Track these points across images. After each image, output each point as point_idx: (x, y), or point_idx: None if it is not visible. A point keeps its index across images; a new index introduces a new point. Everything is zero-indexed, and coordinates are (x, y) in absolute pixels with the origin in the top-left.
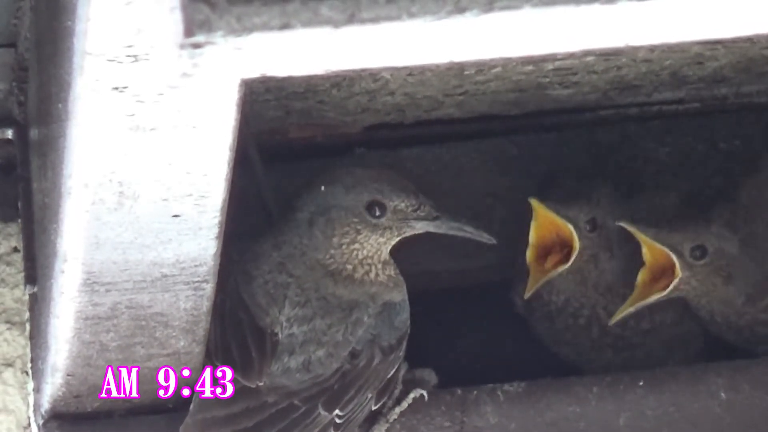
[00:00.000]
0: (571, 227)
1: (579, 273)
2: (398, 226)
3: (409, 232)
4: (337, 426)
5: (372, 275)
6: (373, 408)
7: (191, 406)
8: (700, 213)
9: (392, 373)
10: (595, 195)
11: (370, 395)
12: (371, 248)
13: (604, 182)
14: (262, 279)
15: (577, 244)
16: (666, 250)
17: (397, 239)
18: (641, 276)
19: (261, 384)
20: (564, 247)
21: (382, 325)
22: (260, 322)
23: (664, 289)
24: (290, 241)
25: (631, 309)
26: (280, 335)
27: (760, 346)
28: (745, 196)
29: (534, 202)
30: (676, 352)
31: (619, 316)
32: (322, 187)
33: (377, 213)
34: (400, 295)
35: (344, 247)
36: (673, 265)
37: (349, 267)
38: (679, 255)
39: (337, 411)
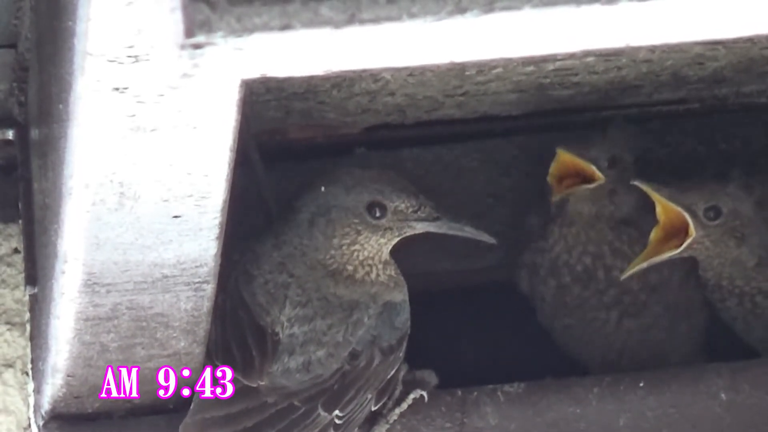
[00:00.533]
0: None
1: (596, 205)
2: (398, 227)
3: (409, 233)
4: (336, 426)
5: (373, 275)
6: (373, 408)
7: (191, 406)
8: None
9: (392, 373)
10: (611, 132)
11: (369, 396)
12: (372, 249)
13: (622, 120)
14: (262, 279)
15: (600, 178)
16: (680, 209)
17: (398, 239)
18: (654, 234)
19: (262, 383)
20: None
21: (382, 326)
22: (261, 322)
23: (677, 247)
24: (291, 242)
25: (644, 264)
26: (281, 335)
27: (756, 330)
28: (764, 163)
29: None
30: (680, 322)
31: (631, 270)
32: (323, 188)
33: (378, 214)
34: (400, 296)
35: (345, 247)
36: (686, 225)
37: (350, 267)
38: (693, 215)
39: (336, 412)
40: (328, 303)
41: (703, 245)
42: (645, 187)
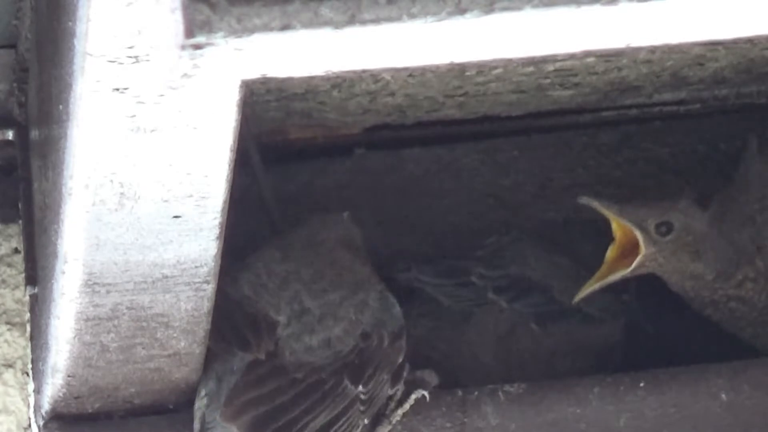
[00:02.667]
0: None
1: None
2: None
3: None
4: (363, 402)
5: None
6: (389, 392)
7: (201, 394)
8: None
9: (401, 359)
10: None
11: (386, 377)
12: None
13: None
14: (254, 273)
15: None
16: (631, 225)
17: None
18: (610, 252)
19: (262, 358)
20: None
21: (384, 312)
22: (251, 310)
23: (630, 265)
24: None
25: (596, 286)
26: (275, 318)
27: (746, 328)
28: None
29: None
30: None
31: (583, 292)
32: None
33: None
34: (387, 290)
35: None
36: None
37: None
38: (644, 231)
39: (360, 387)
40: (338, 276)
41: (656, 261)
42: (594, 204)
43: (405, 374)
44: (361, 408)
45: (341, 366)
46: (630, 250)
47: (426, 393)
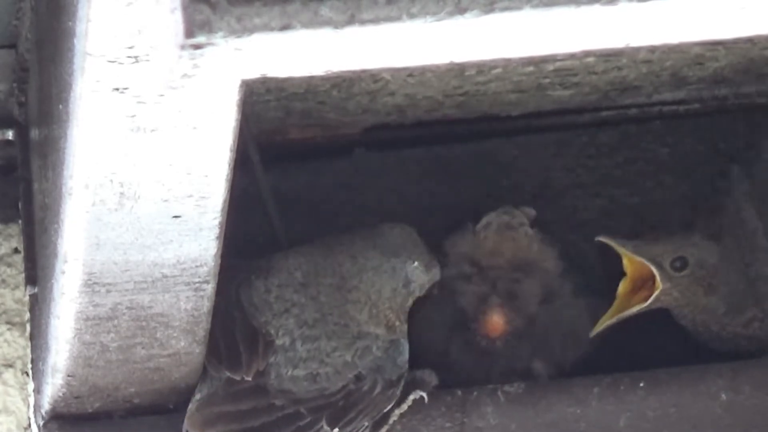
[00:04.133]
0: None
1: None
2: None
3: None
4: None
5: (391, 320)
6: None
7: (197, 397)
8: (680, 225)
9: (389, 408)
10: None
11: (367, 423)
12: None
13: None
14: (264, 287)
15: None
16: (646, 262)
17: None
18: (622, 287)
19: (249, 379)
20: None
21: (387, 360)
22: (254, 322)
23: (645, 300)
24: (324, 271)
25: (613, 320)
26: (275, 338)
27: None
28: (730, 207)
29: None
30: None
31: (600, 327)
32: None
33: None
34: (404, 339)
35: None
36: (653, 276)
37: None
38: (659, 267)
39: (337, 429)
40: (338, 326)
41: (671, 296)
42: (609, 242)
43: (388, 423)
44: None
45: (324, 405)
46: (641, 284)
47: (424, 394)
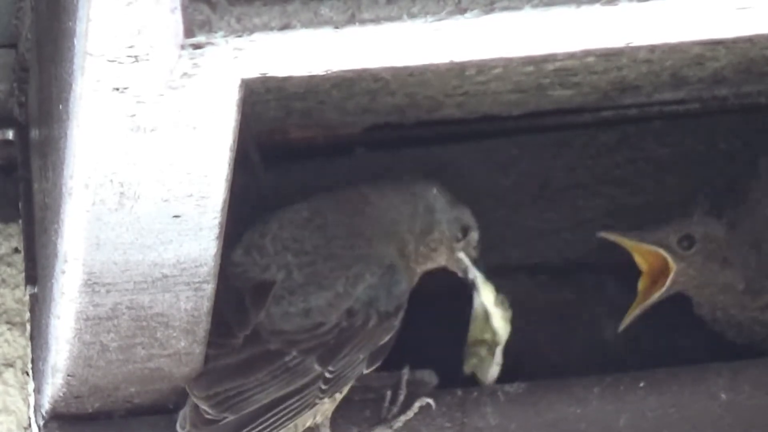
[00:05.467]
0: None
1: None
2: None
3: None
4: (326, 380)
5: (408, 245)
6: (365, 371)
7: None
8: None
9: (386, 339)
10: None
11: (362, 356)
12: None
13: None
14: (260, 236)
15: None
16: (654, 247)
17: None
18: (641, 283)
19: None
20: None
21: (381, 288)
22: (236, 282)
23: (664, 286)
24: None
25: (637, 311)
26: (275, 278)
27: (763, 344)
28: (754, 194)
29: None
30: None
31: (627, 321)
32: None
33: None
34: (404, 271)
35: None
36: (667, 264)
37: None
38: (668, 249)
39: (329, 367)
40: (342, 249)
41: (688, 276)
42: (612, 237)
43: (401, 393)
44: (323, 387)
45: (316, 345)
46: (659, 276)
47: (431, 401)
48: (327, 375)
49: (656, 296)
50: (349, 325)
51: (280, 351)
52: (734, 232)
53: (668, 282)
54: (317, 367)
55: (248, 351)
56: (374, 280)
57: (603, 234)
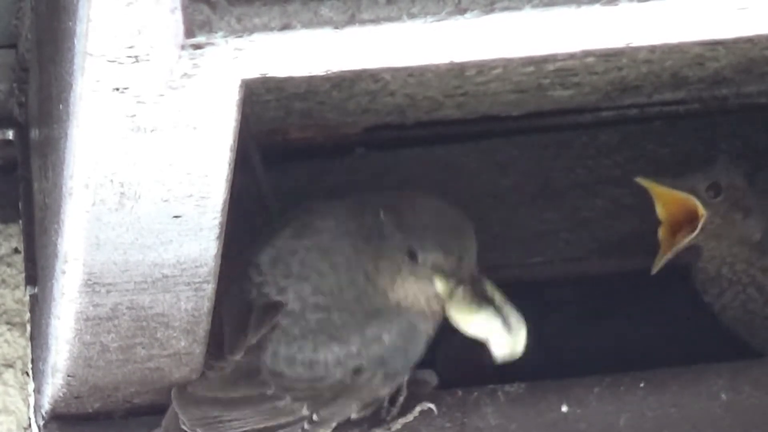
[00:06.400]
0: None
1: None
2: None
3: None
4: (312, 422)
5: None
6: (353, 417)
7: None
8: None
9: (383, 393)
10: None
11: (354, 405)
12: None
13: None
14: (276, 252)
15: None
16: (686, 194)
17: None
18: (661, 232)
19: (238, 359)
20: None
21: (396, 351)
22: (248, 295)
23: (693, 232)
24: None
25: (669, 254)
26: (285, 303)
27: (759, 331)
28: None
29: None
30: None
31: (658, 265)
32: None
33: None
34: (426, 326)
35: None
36: (689, 216)
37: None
38: (698, 196)
39: (320, 412)
40: (352, 296)
41: (714, 224)
42: (645, 183)
43: (402, 395)
44: (306, 427)
45: (311, 395)
46: (678, 227)
47: (433, 406)
48: (314, 418)
49: (687, 240)
50: (352, 382)
51: (275, 395)
52: (754, 186)
53: (699, 226)
54: (305, 411)
55: (244, 388)
56: (391, 339)
57: (639, 179)
